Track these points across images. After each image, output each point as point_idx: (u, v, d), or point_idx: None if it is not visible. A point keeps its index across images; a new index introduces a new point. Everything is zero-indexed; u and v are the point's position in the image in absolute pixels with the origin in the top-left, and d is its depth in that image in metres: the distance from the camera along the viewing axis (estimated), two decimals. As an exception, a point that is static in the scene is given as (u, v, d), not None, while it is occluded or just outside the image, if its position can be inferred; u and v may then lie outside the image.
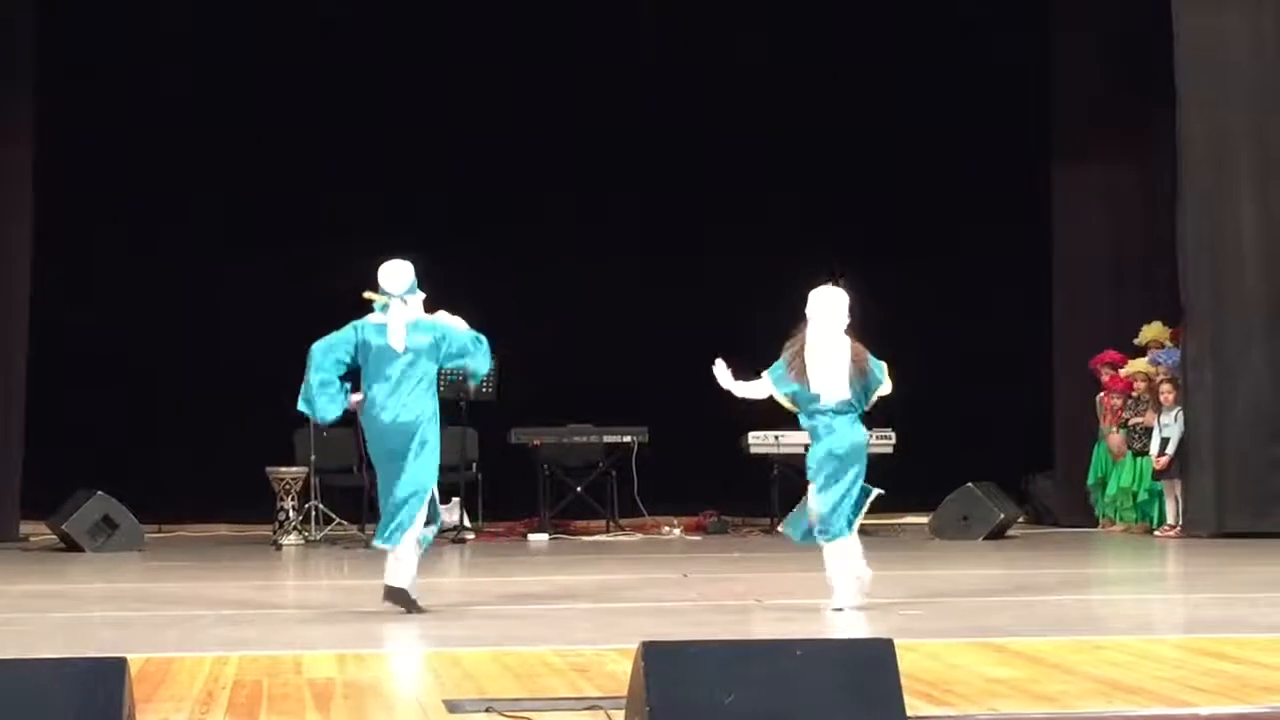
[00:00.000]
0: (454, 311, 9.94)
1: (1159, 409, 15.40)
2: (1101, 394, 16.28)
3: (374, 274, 9.65)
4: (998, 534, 14.95)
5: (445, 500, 15.72)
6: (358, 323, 9.44)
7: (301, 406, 9.44)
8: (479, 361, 9.68)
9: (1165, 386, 15.31)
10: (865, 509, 9.33)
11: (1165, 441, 15.26)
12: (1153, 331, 15.87)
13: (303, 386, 9.36)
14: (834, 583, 9.23)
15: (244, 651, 7.53)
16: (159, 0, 16.55)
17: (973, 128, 17.31)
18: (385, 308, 9.45)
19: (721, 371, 9.53)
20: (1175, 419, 15.17)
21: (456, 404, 15.38)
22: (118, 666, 5.16)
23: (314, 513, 14.69)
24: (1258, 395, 14.59)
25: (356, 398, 9.39)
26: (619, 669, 6.52)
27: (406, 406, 9.27)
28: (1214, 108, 14.69)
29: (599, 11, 16.97)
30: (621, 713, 5.51)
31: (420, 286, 9.65)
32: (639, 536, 15.54)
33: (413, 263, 15.18)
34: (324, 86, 16.92)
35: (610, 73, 17.20)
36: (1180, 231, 14.79)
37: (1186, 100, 14.62)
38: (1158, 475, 15.37)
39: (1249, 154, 14.69)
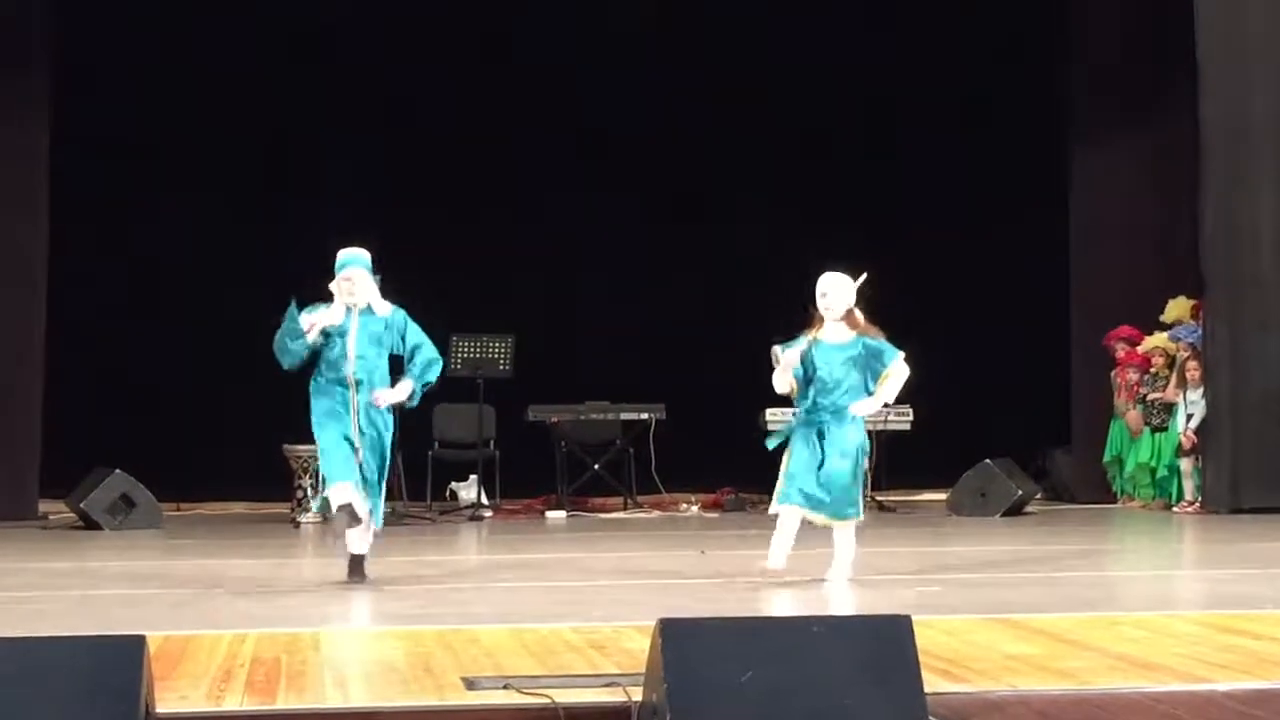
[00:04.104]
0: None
1: (1184, 385, 15.33)
2: (1117, 370, 16.25)
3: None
4: (1015, 510, 14.95)
5: (463, 478, 15.90)
6: None
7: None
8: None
9: (1192, 364, 15.24)
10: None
11: (1190, 418, 15.20)
12: (1178, 309, 15.80)
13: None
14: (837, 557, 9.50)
15: (262, 629, 7.53)
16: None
17: (991, 105, 17.28)
18: None
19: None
20: (1201, 396, 15.10)
21: (474, 381, 15.41)
22: (136, 644, 5.16)
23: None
24: (1274, 371, 14.56)
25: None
26: (637, 646, 6.52)
27: None
28: (1234, 86, 14.63)
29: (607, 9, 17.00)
30: (639, 689, 5.52)
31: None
32: (656, 513, 15.55)
33: (430, 242, 15.43)
34: (329, 85, 16.96)
35: (616, 64, 17.19)
36: (1200, 210, 14.73)
37: (1206, 78, 14.56)
38: (1185, 452, 15.30)
39: (1268, 134, 14.63)
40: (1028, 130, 16.98)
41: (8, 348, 14.93)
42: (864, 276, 9.47)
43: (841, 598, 9.03)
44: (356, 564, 9.68)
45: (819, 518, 9.45)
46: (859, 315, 9.47)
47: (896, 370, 9.44)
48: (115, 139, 16.43)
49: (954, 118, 17.49)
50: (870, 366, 9.43)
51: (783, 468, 9.48)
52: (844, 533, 9.50)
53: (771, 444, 9.66)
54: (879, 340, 9.47)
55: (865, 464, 9.68)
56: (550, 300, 17.08)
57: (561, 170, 17.24)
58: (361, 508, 9.45)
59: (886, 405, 9.90)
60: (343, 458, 9.46)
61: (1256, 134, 14.64)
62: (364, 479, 9.48)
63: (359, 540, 9.64)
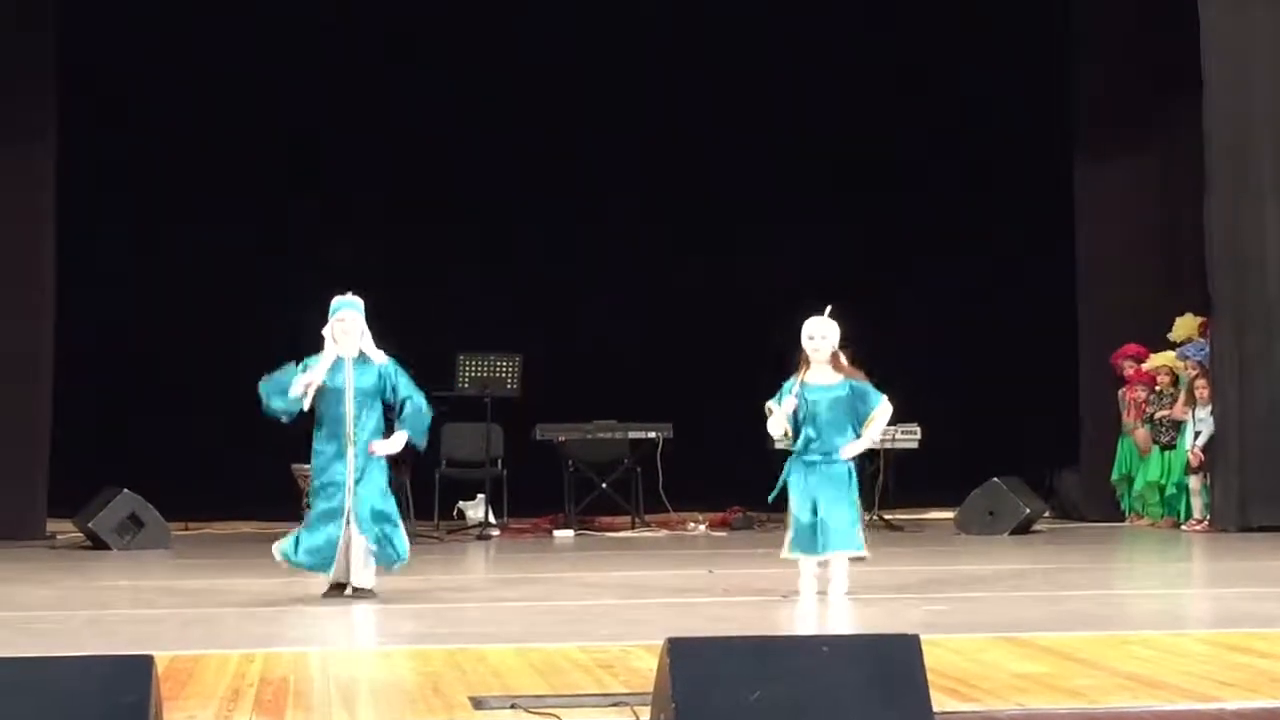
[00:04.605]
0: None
1: (1193, 403, 15.29)
2: (1124, 388, 16.22)
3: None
4: (1024, 529, 14.92)
5: (471, 497, 15.89)
6: None
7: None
8: None
9: (1201, 381, 15.20)
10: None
11: (1198, 436, 15.16)
12: (1185, 327, 15.77)
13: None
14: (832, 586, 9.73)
15: (270, 649, 7.54)
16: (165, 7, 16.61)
17: (995, 124, 17.28)
18: None
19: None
20: (1210, 413, 15.05)
21: (481, 400, 15.41)
22: (144, 664, 5.17)
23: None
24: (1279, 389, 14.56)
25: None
26: (644, 665, 6.52)
27: None
28: (1238, 103, 14.62)
29: (606, 12, 17.00)
30: (647, 709, 5.52)
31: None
32: (664, 533, 15.53)
33: (441, 262, 15.39)
34: (342, 91, 16.97)
35: (622, 75, 17.20)
36: (1206, 227, 14.72)
37: (1210, 95, 14.56)
38: (1193, 470, 15.27)
39: (1273, 149, 14.62)
40: (1033, 152, 16.95)
41: (16, 365, 14.91)
42: (829, 309, 9.80)
43: (849, 617, 9.03)
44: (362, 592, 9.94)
45: (824, 556, 9.70)
46: (843, 358, 9.82)
47: (881, 413, 9.81)
48: (113, 143, 16.45)
49: (961, 140, 17.47)
50: (855, 409, 9.78)
51: (789, 513, 9.84)
52: (840, 565, 9.73)
53: (772, 497, 10.04)
54: (864, 383, 9.82)
55: (859, 499, 10.01)
56: (557, 320, 17.07)
57: (561, 171, 17.24)
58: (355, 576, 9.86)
59: (886, 430, 10.17)
60: (328, 550, 9.84)
61: (1262, 149, 14.61)
62: (363, 534, 9.80)
63: (362, 577, 9.92)
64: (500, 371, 15.43)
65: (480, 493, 15.65)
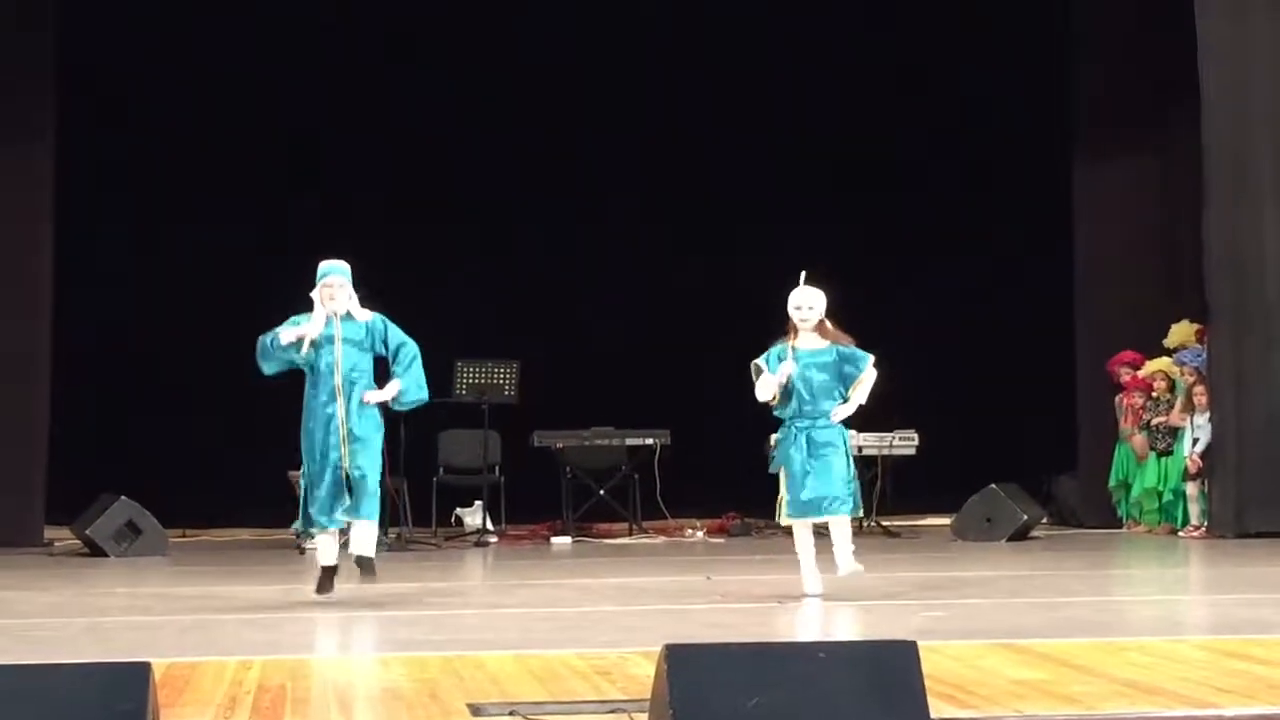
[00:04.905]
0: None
1: (1191, 410, 15.28)
2: (1121, 395, 16.22)
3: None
4: (1021, 535, 14.90)
5: (468, 504, 15.88)
6: None
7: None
8: None
9: (1199, 388, 15.19)
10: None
11: (1196, 442, 15.15)
12: (1181, 333, 15.77)
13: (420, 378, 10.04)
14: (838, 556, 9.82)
15: (268, 655, 7.54)
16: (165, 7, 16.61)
17: (994, 127, 17.29)
18: None
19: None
20: (1208, 420, 15.04)
21: (479, 407, 15.40)
22: (142, 671, 5.17)
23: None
24: (1277, 396, 14.54)
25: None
26: (642, 672, 6.52)
27: None
28: (1236, 108, 14.61)
29: (605, 12, 17.01)
30: (645, 715, 5.52)
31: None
32: (662, 539, 15.53)
33: (440, 262, 15.30)
34: (342, 91, 16.98)
35: (622, 75, 17.20)
36: (1204, 234, 14.72)
37: (1209, 103, 14.55)
38: (1190, 476, 15.26)
39: (1271, 157, 14.61)
40: (1032, 156, 16.94)
41: (14, 366, 14.90)
42: (804, 274, 9.94)
43: (847, 622, 9.03)
44: (330, 574, 10.10)
45: (820, 518, 9.84)
46: (829, 324, 9.98)
47: (868, 375, 9.96)
48: (113, 143, 16.44)
49: (960, 143, 17.48)
50: (843, 372, 9.93)
51: (782, 480, 9.94)
52: (840, 527, 9.84)
53: (774, 468, 10.07)
54: (851, 346, 9.98)
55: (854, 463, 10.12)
56: (555, 326, 17.07)
57: (561, 171, 17.25)
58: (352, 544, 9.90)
59: (858, 412, 10.26)
60: (326, 499, 9.86)
61: (1260, 154, 14.60)
62: (359, 482, 9.78)
63: (363, 543, 9.99)
64: (498, 378, 15.42)
65: (478, 499, 15.66)
